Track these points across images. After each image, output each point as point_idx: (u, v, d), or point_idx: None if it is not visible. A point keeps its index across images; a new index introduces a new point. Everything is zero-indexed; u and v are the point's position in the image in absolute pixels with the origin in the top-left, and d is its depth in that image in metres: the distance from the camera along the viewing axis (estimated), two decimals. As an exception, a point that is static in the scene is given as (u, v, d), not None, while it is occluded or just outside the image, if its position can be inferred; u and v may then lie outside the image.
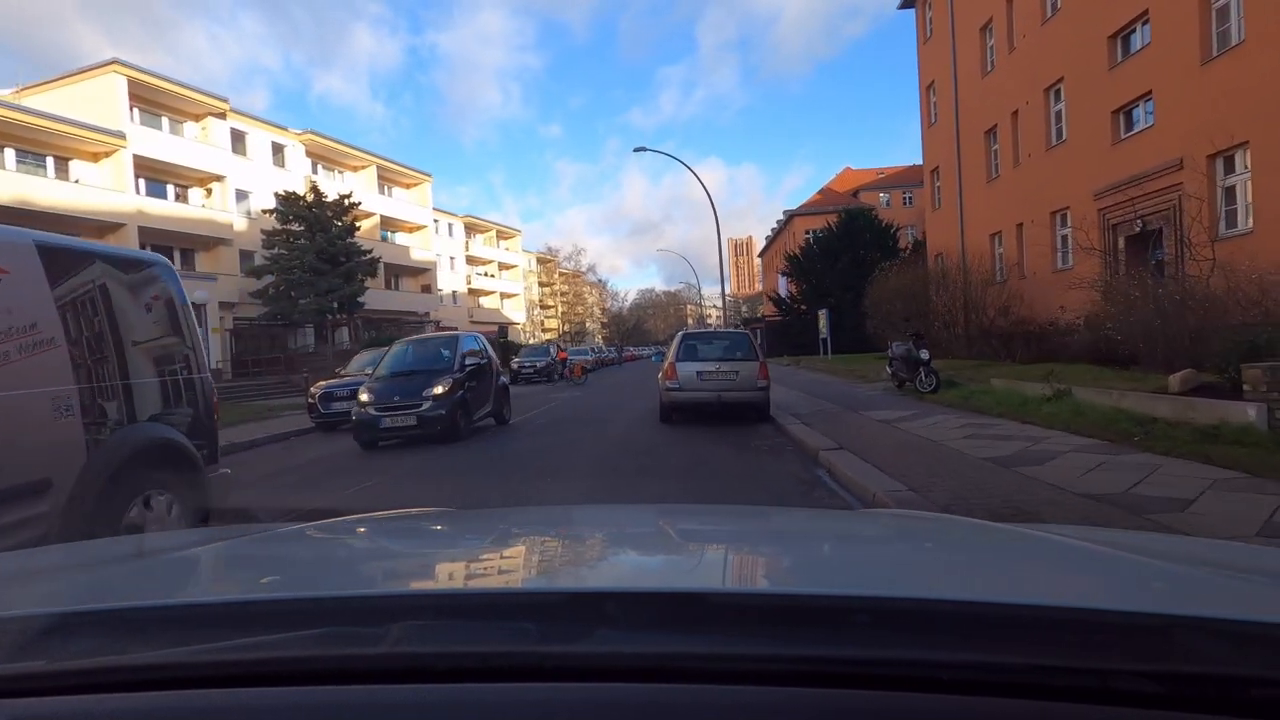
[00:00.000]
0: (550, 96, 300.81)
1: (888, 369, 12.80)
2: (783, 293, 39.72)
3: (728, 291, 30.84)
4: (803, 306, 35.72)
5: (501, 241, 60.04)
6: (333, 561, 1.30)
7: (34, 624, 0.80)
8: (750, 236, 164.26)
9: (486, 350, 11.50)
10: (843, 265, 33.90)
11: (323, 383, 13.27)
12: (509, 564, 1.26)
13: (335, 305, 28.97)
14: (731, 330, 13.54)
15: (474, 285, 53.98)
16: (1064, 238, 16.96)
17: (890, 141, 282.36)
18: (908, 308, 20.80)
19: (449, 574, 1.20)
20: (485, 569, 1.22)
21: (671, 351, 10.63)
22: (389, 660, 0.69)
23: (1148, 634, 0.70)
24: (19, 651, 0.75)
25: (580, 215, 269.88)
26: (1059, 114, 16.81)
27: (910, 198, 54.42)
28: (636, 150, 26.54)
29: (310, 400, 12.98)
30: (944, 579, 1.07)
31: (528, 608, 0.81)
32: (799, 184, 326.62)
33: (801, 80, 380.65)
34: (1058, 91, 16.80)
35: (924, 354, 11.35)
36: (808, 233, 45.01)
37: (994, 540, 1.38)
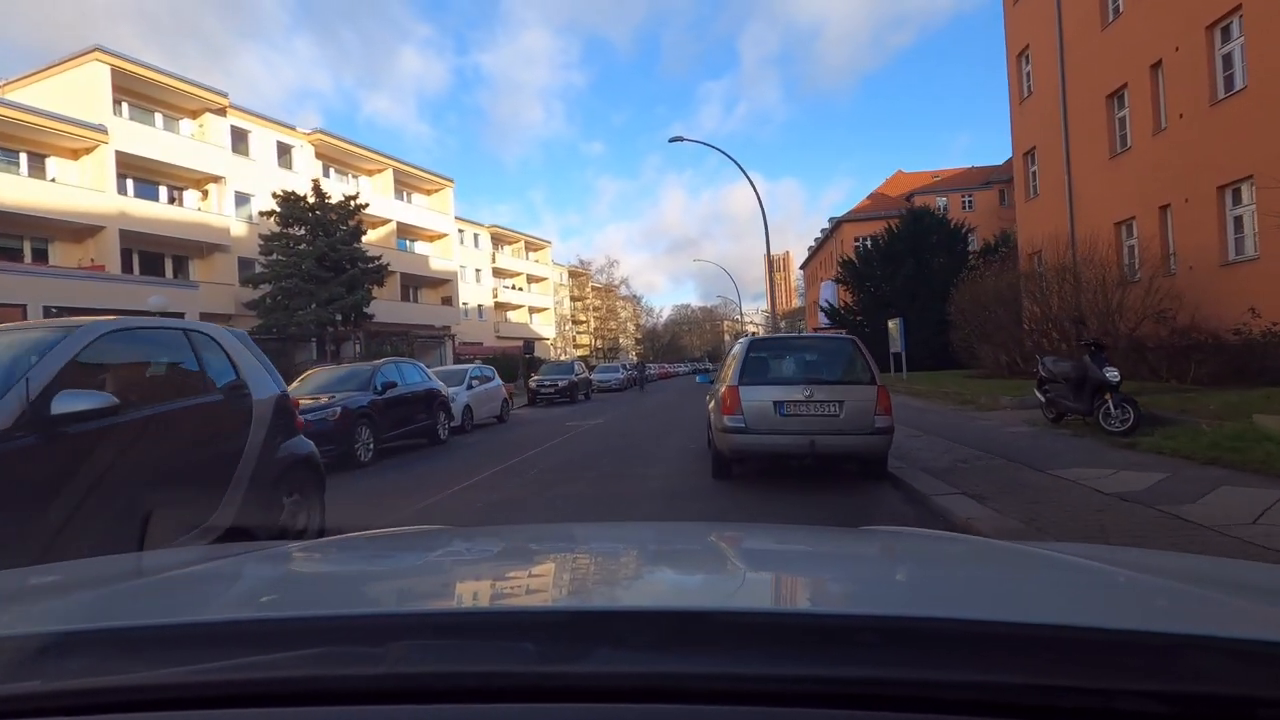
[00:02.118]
0: (593, 113, 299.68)
1: (1038, 394, 8.93)
2: (835, 302, 35.67)
3: (766, 308, 27.15)
4: (859, 318, 31.68)
5: (531, 253, 57.12)
6: (331, 580, 1.28)
7: (30, 643, 0.79)
8: (788, 252, 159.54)
9: (223, 351, 4.52)
10: (906, 271, 29.86)
11: None
12: (509, 582, 1.22)
13: (338, 317, 26.02)
14: (824, 335, 9.18)
15: (501, 298, 51.02)
16: (1237, 219, 12.89)
17: (937, 153, 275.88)
18: (1010, 314, 16.95)
19: (449, 593, 1.18)
20: (485, 588, 1.20)
21: (730, 370, 6.73)
22: (388, 680, 0.68)
23: (1153, 653, 0.68)
24: (14, 671, 0.73)
25: (619, 232, 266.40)
26: (1229, 57, 12.80)
27: (970, 200, 49.95)
28: (672, 140, 23.12)
29: None
30: (948, 597, 1.03)
31: (528, 627, 0.80)
32: (839, 197, 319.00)
33: (846, 92, 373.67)
34: (1227, 28, 12.81)
35: (1111, 374, 7.47)
36: (857, 240, 41.04)
37: (999, 559, 1.32)
